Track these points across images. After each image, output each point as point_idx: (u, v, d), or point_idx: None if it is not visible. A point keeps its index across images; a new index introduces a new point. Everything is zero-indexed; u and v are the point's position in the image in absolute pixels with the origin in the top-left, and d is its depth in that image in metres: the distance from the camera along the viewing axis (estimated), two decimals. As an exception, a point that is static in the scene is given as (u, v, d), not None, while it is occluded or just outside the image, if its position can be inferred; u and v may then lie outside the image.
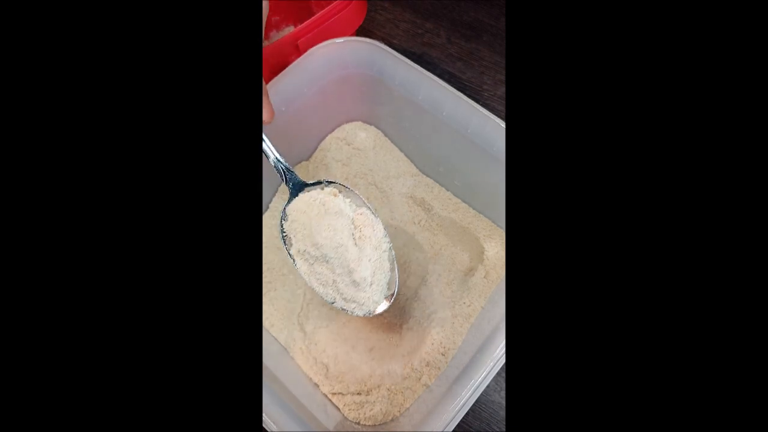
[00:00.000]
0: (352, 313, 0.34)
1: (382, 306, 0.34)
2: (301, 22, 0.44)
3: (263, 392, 0.30)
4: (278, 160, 0.34)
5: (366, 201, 0.35)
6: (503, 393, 0.40)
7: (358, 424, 0.38)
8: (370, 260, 0.33)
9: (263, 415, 0.30)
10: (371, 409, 0.37)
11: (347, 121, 0.47)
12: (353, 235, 0.33)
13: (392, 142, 0.47)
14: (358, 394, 0.38)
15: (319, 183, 0.35)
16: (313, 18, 0.43)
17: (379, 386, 0.38)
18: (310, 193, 0.34)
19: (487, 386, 0.30)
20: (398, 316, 0.41)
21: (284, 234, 0.34)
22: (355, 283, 0.33)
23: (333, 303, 0.34)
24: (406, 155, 0.46)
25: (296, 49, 0.44)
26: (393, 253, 0.35)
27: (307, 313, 0.41)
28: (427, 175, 0.46)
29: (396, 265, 0.35)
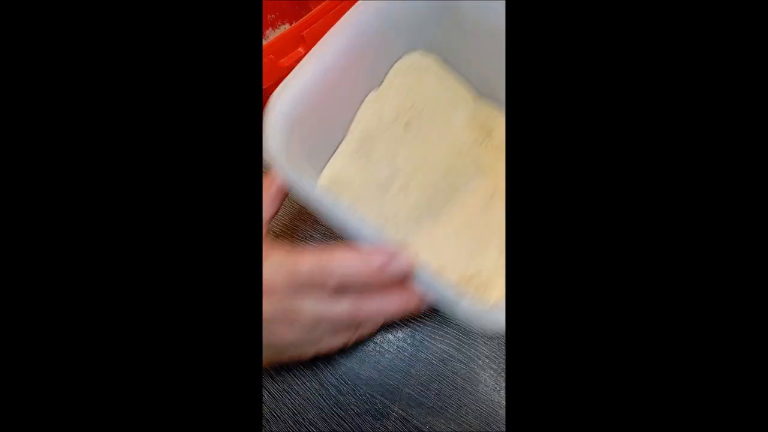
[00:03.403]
0: None
1: None
2: (297, 21, 0.43)
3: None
4: None
5: None
6: (503, 393, 0.40)
7: None
8: None
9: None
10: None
11: (410, 51, 0.43)
12: None
13: (454, 69, 0.44)
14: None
15: None
16: (317, 8, 0.43)
17: None
18: None
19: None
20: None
21: None
22: None
23: None
24: (467, 80, 0.44)
25: (302, 40, 0.43)
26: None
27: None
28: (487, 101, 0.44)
29: None
